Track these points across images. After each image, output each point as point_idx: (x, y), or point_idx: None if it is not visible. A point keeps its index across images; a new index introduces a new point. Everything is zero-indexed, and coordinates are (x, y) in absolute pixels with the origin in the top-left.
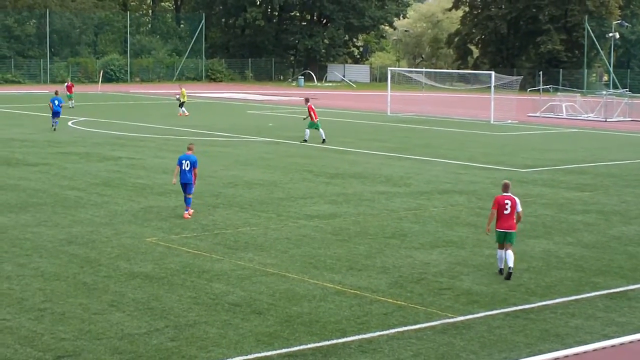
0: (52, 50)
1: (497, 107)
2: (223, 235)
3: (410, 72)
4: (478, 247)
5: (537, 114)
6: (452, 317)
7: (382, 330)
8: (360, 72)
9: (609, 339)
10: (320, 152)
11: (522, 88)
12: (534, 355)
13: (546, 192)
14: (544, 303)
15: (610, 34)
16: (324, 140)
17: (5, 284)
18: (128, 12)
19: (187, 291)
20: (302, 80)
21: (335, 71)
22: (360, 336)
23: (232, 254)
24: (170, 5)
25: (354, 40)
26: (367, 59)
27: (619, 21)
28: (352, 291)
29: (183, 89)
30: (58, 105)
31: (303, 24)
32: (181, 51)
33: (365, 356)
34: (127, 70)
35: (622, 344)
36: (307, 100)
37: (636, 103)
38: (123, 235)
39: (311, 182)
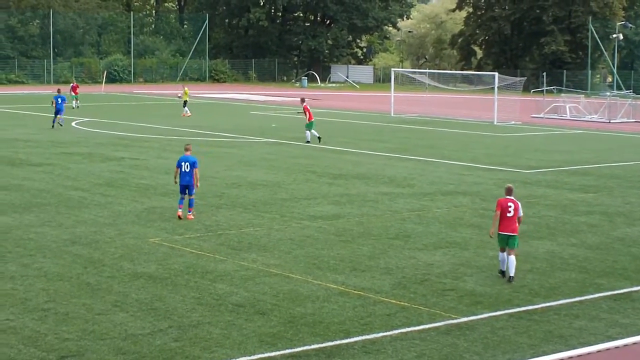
0: (56, 50)
1: (501, 108)
2: (226, 236)
3: (414, 73)
4: (482, 248)
5: (541, 115)
6: (456, 318)
7: (386, 331)
8: (363, 72)
9: (613, 340)
10: (324, 152)
11: (526, 89)
12: (537, 356)
13: (550, 193)
14: (547, 304)
15: (614, 35)
16: (308, 142)
17: (9, 284)
18: (132, 13)
19: (191, 292)
20: (306, 81)
21: (338, 72)
22: (364, 337)
23: (235, 255)
24: (174, 5)
25: (358, 41)
26: (370, 60)
27: (623, 22)
28: (355, 292)
29: (186, 88)
30: (61, 103)
31: (306, 24)
32: (184, 52)
33: (368, 357)
34: (130, 71)
35: (626, 345)
36: (302, 100)
37: None
38: (126, 236)
39: (314, 183)
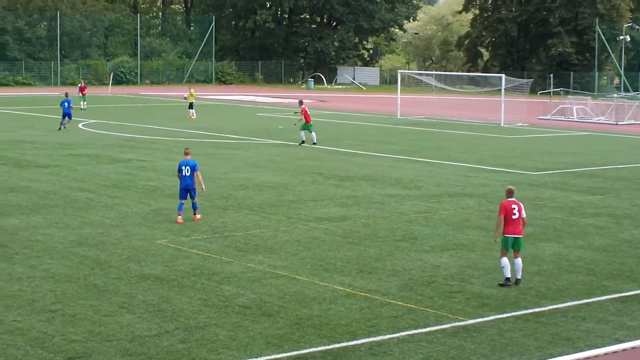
0: (63, 52)
1: (508, 109)
2: (233, 238)
3: (420, 74)
4: (488, 250)
5: (548, 117)
6: (463, 320)
7: (393, 333)
8: (370, 74)
9: (620, 342)
10: (330, 154)
11: (533, 91)
12: (544, 358)
13: (557, 195)
14: (555, 306)
15: (621, 37)
16: (302, 142)
17: (16, 286)
18: (138, 15)
19: (197, 293)
20: (312, 82)
21: (345, 74)
22: (371, 339)
23: (242, 257)
24: (181, 7)
25: (364, 42)
26: (377, 62)
27: (629, 24)
28: (362, 294)
29: (192, 90)
30: (68, 106)
31: (313, 26)
32: (191, 53)
33: (375, 359)
34: (137, 73)
35: (633, 347)
36: (301, 102)
37: None
38: (133, 237)
39: (321, 185)
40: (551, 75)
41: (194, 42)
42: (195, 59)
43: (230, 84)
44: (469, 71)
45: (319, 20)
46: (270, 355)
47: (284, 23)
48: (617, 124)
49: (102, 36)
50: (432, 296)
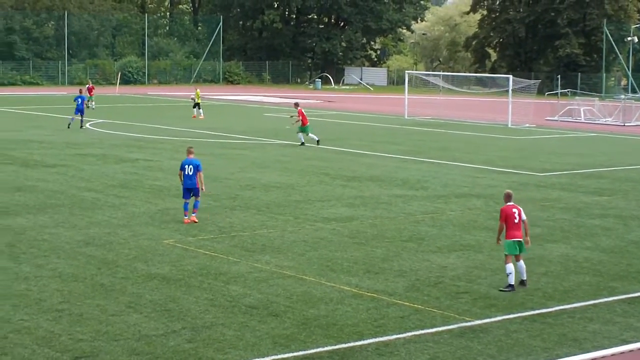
0: (70, 52)
1: (515, 110)
2: (240, 238)
3: (428, 75)
4: (495, 251)
5: (555, 118)
6: (470, 321)
7: (399, 334)
8: (377, 75)
9: (627, 343)
10: (337, 155)
11: (540, 92)
12: (551, 359)
13: (564, 196)
14: (561, 307)
15: (629, 38)
16: (302, 143)
17: (23, 285)
18: (146, 14)
19: (204, 293)
20: (320, 83)
21: (352, 74)
22: (377, 339)
23: (249, 257)
24: (188, 7)
25: (372, 43)
26: (384, 62)
27: (637, 25)
28: (369, 294)
29: (198, 90)
30: (82, 103)
31: (320, 26)
32: (199, 53)
33: (382, 359)
34: (144, 72)
35: None
36: (296, 104)
37: None
38: (140, 237)
39: (328, 185)
40: (559, 76)
41: (202, 42)
42: (202, 59)
43: (238, 84)
44: (476, 72)
45: (326, 20)
46: (277, 355)
47: (292, 23)
48: (624, 125)
49: (110, 36)
50: (439, 297)
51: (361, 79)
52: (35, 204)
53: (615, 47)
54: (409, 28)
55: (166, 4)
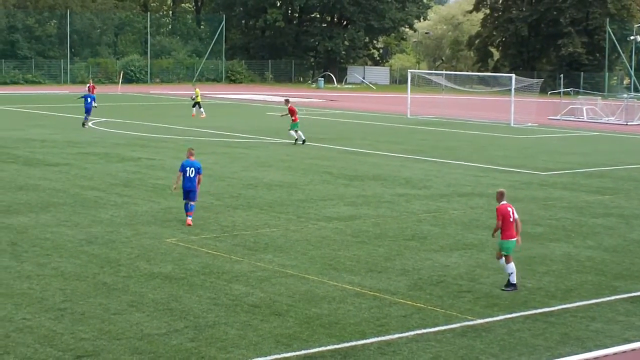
0: (73, 50)
1: (518, 109)
2: (242, 237)
3: (430, 74)
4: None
5: (558, 117)
6: (472, 320)
7: (402, 333)
8: (380, 74)
9: (629, 342)
10: (340, 154)
11: (543, 91)
12: (554, 358)
13: (566, 196)
14: (564, 306)
15: (632, 37)
16: (296, 140)
17: (25, 284)
18: (148, 13)
19: (207, 292)
20: (322, 81)
21: (355, 73)
22: (380, 338)
23: (251, 255)
24: (191, 6)
25: (374, 42)
26: (387, 61)
27: None
28: (371, 293)
29: (197, 89)
30: (90, 102)
31: (323, 25)
32: (201, 52)
33: (384, 358)
34: (147, 71)
35: None
36: (287, 101)
37: None
38: (143, 236)
39: (331, 184)
40: (561, 75)
41: (204, 41)
42: (205, 58)
43: (240, 83)
44: (479, 71)
45: (329, 19)
46: (280, 354)
47: (295, 22)
48: (627, 124)
49: (112, 34)
50: (441, 296)
51: (364, 78)
52: (37, 203)
53: (618, 46)
54: (411, 27)
55: (169, 2)
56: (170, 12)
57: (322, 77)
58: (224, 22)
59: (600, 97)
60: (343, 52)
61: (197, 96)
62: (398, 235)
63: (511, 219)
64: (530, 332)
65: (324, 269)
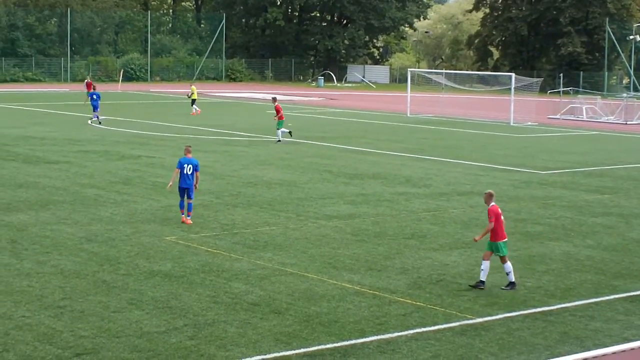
0: (73, 48)
1: (517, 109)
2: (242, 235)
3: (430, 73)
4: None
5: (557, 116)
6: (471, 319)
7: (401, 331)
8: (380, 73)
9: (628, 342)
10: (340, 152)
11: (542, 90)
12: (553, 357)
13: (566, 195)
14: (563, 305)
15: (631, 37)
16: (279, 141)
17: (25, 281)
18: (149, 12)
19: (206, 290)
20: (322, 80)
21: (355, 72)
22: (379, 337)
23: (251, 254)
24: (191, 4)
25: (374, 41)
26: (387, 60)
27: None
28: (371, 291)
29: (193, 87)
30: (96, 99)
31: (323, 24)
32: (201, 51)
33: (384, 357)
34: (147, 70)
35: None
36: (274, 99)
37: None
38: (142, 234)
39: (330, 183)
40: (561, 74)
41: (204, 40)
42: (205, 57)
43: (240, 81)
44: (478, 70)
45: (329, 18)
46: (279, 352)
47: (295, 21)
48: (626, 123)
49: (113, 33)
50: (441, 294)
51: (364, 77)
52: (37, 201)
53: (618, 46)
54: (411, 26)
55: (169, 1)
56: (171, 10)
57: (322, 76)
58: (224, 21)
59: (599, 97)
60: (343, 51)
61: (193, 93)
62: (398, 233)
63: (502, 219)
64: (530, 331)
65: (324, 268)
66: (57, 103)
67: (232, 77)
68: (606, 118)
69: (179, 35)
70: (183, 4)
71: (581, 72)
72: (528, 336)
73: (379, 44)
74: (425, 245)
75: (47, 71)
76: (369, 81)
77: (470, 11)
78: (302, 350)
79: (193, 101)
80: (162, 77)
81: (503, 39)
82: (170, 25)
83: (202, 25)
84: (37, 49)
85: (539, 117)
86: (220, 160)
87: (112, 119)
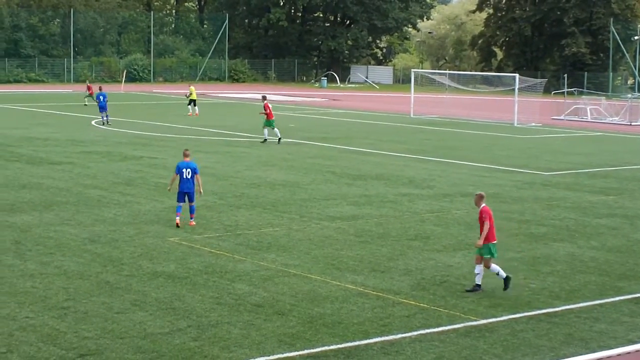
0: (76, 49)
1: (521, 109)
2: (245, 236)
3: (434, 74)
4: (501, 251)
5: (561, 117)
6: (475, 320)
7: (405, 333)
8: (383, 73)
9: (633, 344)
10: (343, 153)
11: (546, 91)
12: (558, 359)
13: (570, 196)
14: (568, 307)
15: (636, 37)
16: (265, 140)
17: (28, 282)
18: (152, 12)
19: (210, 291)
20: (325, 81)
21: (358, 72)
22: (383, 338)
23: (254, 255)
24: (194, 5)
25: (378, 41)
26: (390, 61)
27: None
28: (374, 293)
29: (192, 87)
30: (104, 100)
31: (326, 25)
32: (204, 51)
33: (387, 358)
34: (150, 70)
35: None
36: (264, 97)
37: None
38: (146, 235)
39: (333, 184)
40: (565, 75)
41: (207, 40)
42: (208, 57)
43: (243, 82)
44: (482, 71)
45: (332, 19)
46: (283, 353)
47: (298, 21)
48: (630, 124)
49: (116, 33)
50: (445, 296)
51: (367, 78)
52: (40, 202)
53: (622, 46)
54: (414, 27)
55: (172, 1)
56: (174, 11)
57: (325, 77)
58: (227, 21)
59: (604, 97)
60: (346, 52)
61: (191, 94)
62: (401, 235)
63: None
64: (534, 332)
65: (327, 269)
66: (60, 104)
67: (235, 78)
68: (611, 119)
69: (181, 36)
70: (186, 4)
71: (585, 73)
72: (532, 338)
73: (382, 45)
74: (429, 247)
75: (50, 72)
76: (372, 82)
77: (474, 11)
78: (306, 351)
79: (191, 101)
80: (165, 78)
81: (507, 39)
82: (173, 26)
83: (205, 26)
84: (40, 49)
85: (543, 118)
86: (223, 161)
87: (115, 119)
